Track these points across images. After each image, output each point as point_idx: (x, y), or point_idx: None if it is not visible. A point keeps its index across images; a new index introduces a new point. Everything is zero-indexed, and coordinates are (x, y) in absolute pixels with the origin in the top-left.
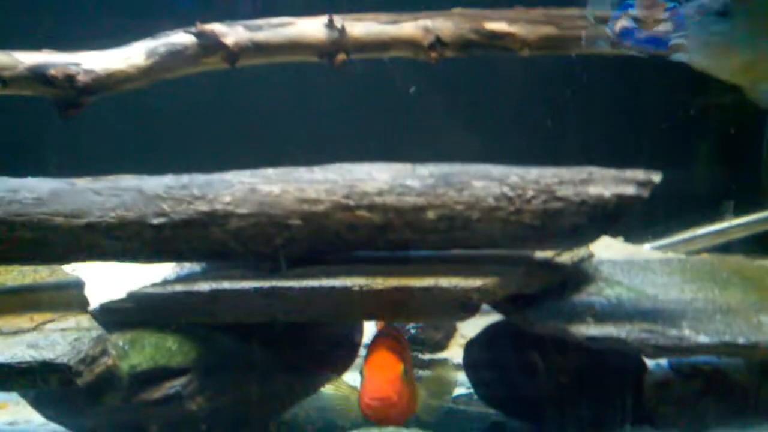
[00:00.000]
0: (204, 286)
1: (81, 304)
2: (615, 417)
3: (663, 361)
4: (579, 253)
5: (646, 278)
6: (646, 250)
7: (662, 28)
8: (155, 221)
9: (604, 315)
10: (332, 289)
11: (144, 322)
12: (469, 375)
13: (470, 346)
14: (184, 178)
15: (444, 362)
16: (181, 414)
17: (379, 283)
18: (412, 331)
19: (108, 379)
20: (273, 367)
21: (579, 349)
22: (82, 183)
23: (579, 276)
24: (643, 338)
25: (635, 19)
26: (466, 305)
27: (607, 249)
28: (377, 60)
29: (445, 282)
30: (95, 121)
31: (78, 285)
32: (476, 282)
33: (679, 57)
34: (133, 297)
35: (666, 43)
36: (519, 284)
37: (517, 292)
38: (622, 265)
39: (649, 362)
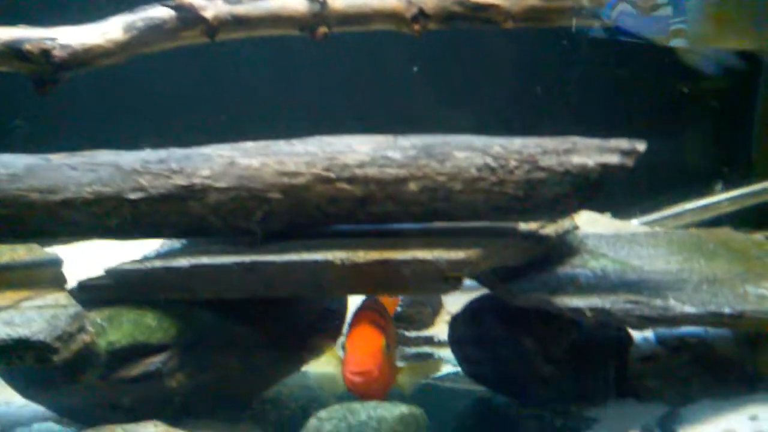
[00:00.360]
0: (183, 262)
1: (59, 282)
2: (600, 391)
3: (650, 335)
4: (564, 225)
5: (631, 251)
6: (633, 225)
7: (661, 12)
8: (133, 196)
9: (588, 287)
10: (313, 262)
11: (122, 300)
12: (454, 351)
13: (454, 322)
14: (162, 153)
15: (429, 340)
16: (160, 391)
17: (360, 256)
18: (398, 308)
19: (85, 356)
20: (255, 343)
21: (564, 323)
22: (58, 158)
23: (564, 248)
24: (627, 309)
25: (633, 5)
26: (449, 278)
27: (593, 224)
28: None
29: (426, 254)
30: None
31: (56, 263)
32: (459, 254)
33: (678, 42)
34: (111, 274)
35: (665, 28)
36: (502, 256)
37: (501, 264)
38: (608, 238)
39: (636, 335)
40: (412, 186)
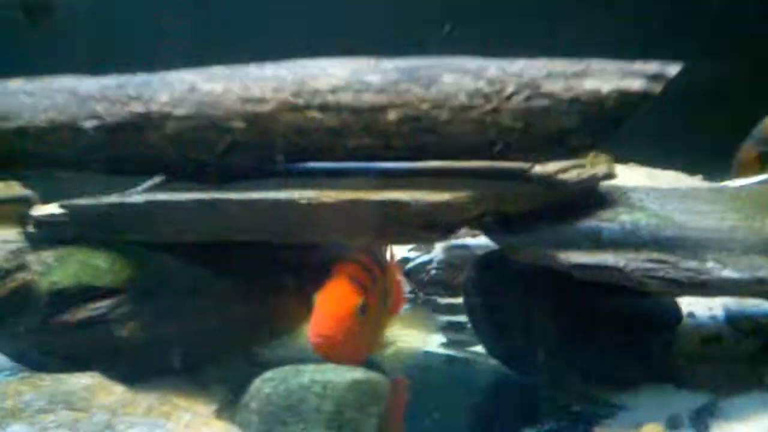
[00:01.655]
0: (138, 198)
1: (21, 219)
2: (633, 373)
3: (718, 313)
4: (590, 170)
5: (680, 205)
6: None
7: None
8: (87, 124)
9: (609, 242)
10: (277, 202)
11: (78, 238)
12: (469, 319)
13: (467, 286)
14: (123, 78)
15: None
16: (110, 341)
17: (331, 196)
18: (433, 272)
19: (24, 295)
20: (229, 295)
21: (591, 289)
22: (15, 84)
23: (591, 199)
24: (646, 269)
25: None
26: (433, 224)
27: (652, 179)
28: None
29: (405, 196)
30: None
31: (25, 200)
32: (443, 196)
33: None
34: (65, 210)
35: None
36: (499, 201)
37: (498, 210)
38: (658, 192)
39: (702, 314)
40: (392, 115)
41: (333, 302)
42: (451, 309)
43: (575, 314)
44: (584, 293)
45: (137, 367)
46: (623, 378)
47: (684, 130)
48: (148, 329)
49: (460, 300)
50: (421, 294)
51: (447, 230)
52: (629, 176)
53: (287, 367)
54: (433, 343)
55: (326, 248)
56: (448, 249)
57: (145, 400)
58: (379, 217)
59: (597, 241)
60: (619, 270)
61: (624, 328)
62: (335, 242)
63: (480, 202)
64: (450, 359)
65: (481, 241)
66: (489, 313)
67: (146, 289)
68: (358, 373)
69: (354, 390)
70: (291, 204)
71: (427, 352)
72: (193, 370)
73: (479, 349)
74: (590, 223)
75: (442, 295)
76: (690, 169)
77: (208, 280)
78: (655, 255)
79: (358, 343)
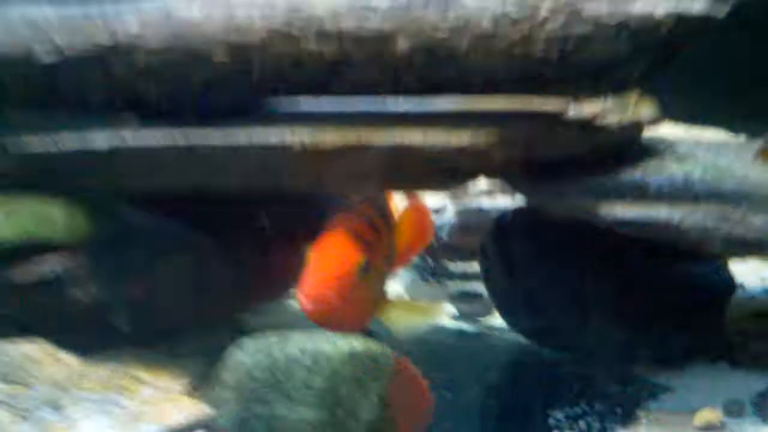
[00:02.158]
0: (101, 141)
1: None
2: (681, 351)
3: None
4: (633, 115)
5: (737, 159)
6: None
7: None
8: (45, 59)
9: (659, 195)
10: (266, 147)
11: (29, 186)
12: (489, 289)
13: (486, 249)
14: (89, 5)
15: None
16: (65, 305)
17: (329, 139)
18: (444, 237)
19: None
20: (210, 255)
21: (636, 251)
22: None
23: (632, 148)
24: (706, 226)
25: None
26: (453, 170)
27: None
28: None
29: (418, 138)
30: None
31: None
32: (462, 138)
33: None
34: (14, 152)
35: None
36: (527, 147)
37: (527, 157)
38: (711, 144)
39: (750, 284)
40: (402, 44)
41: (330, 260)
42: (464, 277)
43: (614, 281)
44: (625, 256)
45: (98, 335)
46: (669, 355)
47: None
48: (110, 292)
49: (474, 267)
50: (430, 261)
51: (466, 177)
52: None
53: (270, 335)
54: (444, 315)
55: (323, 201)
56: (462, 212)
57: (99, 372)
58: (387, 164)
59: (643, 195)
60: (675, 226)
61: (670, 298)
62: (334, 195)
63: (505, 147)
64: (462, 333)
65: (498, 202)
66: (511, 280)
67: (109, 246)
68: (356, 343)
69: (351, 363)
70: (282, 149)
71: (438, 327)
72: (165, 340)
73: (495, 322)
74: (633, 174)
75: (454, 262)
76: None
77: (184, 237)
78: (716, 209)
79: (359, 308)
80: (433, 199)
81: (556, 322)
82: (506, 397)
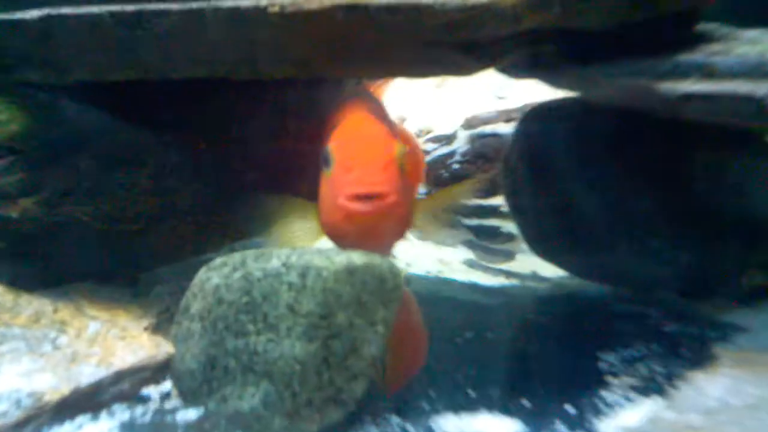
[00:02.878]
0: (31, 14)
1: None
2: (749, 283)
3: None
4: None
5: None
6: None
7: None
8: None
9: (728, 74)
10: (236, 12)
11: None
12: (513, 211)
13: (511, 158)
14: None
15: (495, 210)
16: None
17: (315, 1)
18: (455, 166)
19: None
20: (177, 170)
21: (700, 162)
22: None
23: (687, 28)
24: None
25: None
26: (469, 44)
27: None
28: None
29: None
30: None
31: None
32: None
33: None
34: None
35: None
36: (564, 11)
37: (564, 25)
38: None
39: None
40: None
41: (367, 148)
42: (479, 212)
43: (671, 197)
44: (686, 165)
45: (42, 266)
46: (735, 290)
47: None
48: (51, 209)
49: (489, 201)
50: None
51: (490, 56)
52: None
53: (247, 252)
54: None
55: (317, 93)
56: (474, 138)
57: (33, 305)
58: (389, 31)
59: (710, 75)
60: (748, 98)
61: (737, 220)
62: (325, 79)
63: (537, 9)
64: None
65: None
66: (541, 192)
67: (51, 152)
68: (356, 257)
69: (350, 281)
70: (257, 15)
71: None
72: (123, 275)
73: (514, 266)
74: (694, 56)
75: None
76: None
77: (144, 144)
78: None
79: (406, 212)
80: (442, 125)
81: (601, 247)
82: (549, 337)
